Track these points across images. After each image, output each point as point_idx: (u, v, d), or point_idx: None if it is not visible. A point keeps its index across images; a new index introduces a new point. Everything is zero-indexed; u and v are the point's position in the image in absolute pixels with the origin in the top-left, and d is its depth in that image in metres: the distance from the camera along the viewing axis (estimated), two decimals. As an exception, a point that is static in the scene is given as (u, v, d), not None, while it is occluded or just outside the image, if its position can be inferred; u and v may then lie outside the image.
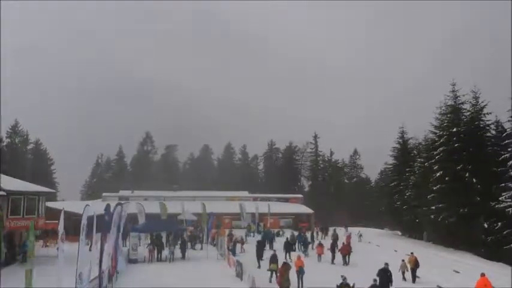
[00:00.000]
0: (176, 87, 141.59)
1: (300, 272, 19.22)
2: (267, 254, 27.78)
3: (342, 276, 16.80)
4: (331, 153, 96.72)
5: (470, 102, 40.58)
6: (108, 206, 16.56)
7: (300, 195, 71.30)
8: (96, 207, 17.16)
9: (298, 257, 20.34)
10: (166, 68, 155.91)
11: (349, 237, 36.64)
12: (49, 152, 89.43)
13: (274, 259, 20.85)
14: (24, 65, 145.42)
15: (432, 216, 40.45)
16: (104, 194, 62.89)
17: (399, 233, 59.58)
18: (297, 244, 34.11)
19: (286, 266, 16.74)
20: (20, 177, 35.14)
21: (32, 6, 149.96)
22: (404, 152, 57.57)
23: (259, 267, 25.07)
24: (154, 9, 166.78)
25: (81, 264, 13.78)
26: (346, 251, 27.33)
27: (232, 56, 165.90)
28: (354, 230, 50.79)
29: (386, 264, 18.98)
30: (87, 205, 13.87)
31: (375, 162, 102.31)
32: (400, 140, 58.81)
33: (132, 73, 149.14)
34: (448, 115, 41.95)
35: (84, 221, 12.88)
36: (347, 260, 27.20)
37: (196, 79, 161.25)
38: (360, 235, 46.39)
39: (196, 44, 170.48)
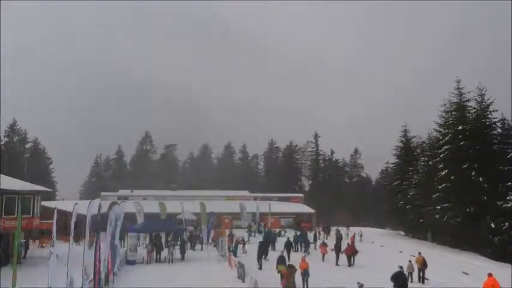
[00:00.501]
0: (176, 87, 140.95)
1: (305, 274, 18.44)
2: (270, 254, 27.42)
3: (358, 283, 15.95)
4: (332, 153, 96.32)
5: (475, 99, 39.95)
6: (100, 205, 15.73)
7: (300, 195, 70.59)
8: (94, 206, 16.45)
9: (303, 259, 19.54)
10: (166, 67, 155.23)
11: (353, 237, 35.87)
12: (47, 151, 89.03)
13: (281, 260, 20.11)
14: (24, 64, 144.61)
15: (437, 216, 39.69)
16: (102, 193, 62.19)
17: (402, 233, 58.85)
18: (298, 244, 33.40)
19: (291, 269, 15.93)
20: (17, 176, 34.40)
21: (31, 5, 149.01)
22: (407, 150, 56.88)
23: (260, 268, 24.34)
24: (155, 9, 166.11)
25: (72, 266, 13.05)
26: (351, 251, 26.51)
27: (233, 55, 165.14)
28: (355, 230, 50.05)
29: (401, 267, 18.17)
30: (75, 203, 13.08)
31: (376, 161, 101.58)
32: (403, 139, 58.16)
33: (132, 73, 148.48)
34: (453, 113, 41.27)
35: (73, 221, 12.10)
36: (352, 261, 26.39)
37: (196, 79, 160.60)
38: (361, 235, 45.63)
39: (196, 44, 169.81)
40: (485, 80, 49.96)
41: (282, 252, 22.74)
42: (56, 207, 13.73)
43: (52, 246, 13.46)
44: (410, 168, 51.85)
